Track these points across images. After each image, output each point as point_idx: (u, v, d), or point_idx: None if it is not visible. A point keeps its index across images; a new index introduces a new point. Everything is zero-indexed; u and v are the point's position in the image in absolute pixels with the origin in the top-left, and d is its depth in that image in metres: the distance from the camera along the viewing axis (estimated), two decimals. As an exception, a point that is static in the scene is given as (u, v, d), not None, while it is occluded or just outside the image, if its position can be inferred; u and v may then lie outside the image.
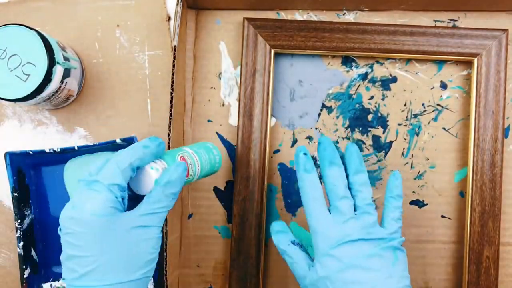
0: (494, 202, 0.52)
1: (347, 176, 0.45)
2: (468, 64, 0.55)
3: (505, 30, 0.53)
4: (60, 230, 0.39)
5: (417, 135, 0.55)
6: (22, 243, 0.52)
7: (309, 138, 0.55)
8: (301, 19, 0.56)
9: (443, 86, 0.55)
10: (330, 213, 0.44)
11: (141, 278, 0.39)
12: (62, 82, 0.50)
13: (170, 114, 0.49)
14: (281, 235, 0.47)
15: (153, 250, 0.39)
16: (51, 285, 0.54)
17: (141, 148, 0.40)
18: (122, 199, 0.39)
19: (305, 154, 0.46)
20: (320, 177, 0.45)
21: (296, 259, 0.45)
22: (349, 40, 0.53)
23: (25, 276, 0.52)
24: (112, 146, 0.53)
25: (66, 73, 0.50)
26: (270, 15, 0.56)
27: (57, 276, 0.55)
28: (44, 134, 0.56)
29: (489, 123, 0.52)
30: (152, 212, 0.39)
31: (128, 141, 0.51)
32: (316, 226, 0.43)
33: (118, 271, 0.38)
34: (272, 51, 0.53)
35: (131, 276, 0.38)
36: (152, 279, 0.54)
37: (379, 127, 0.55)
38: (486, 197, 0.52)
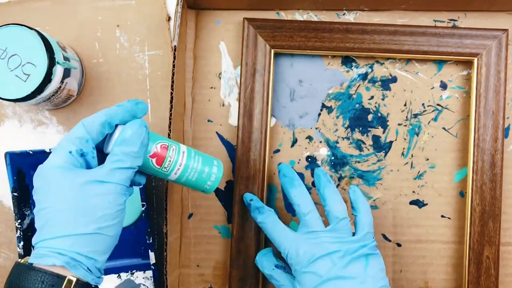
0: (494, 202, 0.52)
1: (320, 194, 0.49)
2: (468, 64, 0.55)
3: (505, 30, 0.53)
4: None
5: (417, 135, 0.55)
6: (22, 243, 0.52)
7: (309, 138, 0.55)
8: (301, 19, 0.56)
9: (443, 86, 0.55)
10: (298, 231, 0.48)
11: (94, 233, 0.37)
12: (62, 82, 0.50)
13: (170, 114, 0.49)
14: (265, 260, 0.50)
15: (109, 205, 0.38)
16: (51, 285, 0.54)
17: (114, 107, 0.41)
18: (82, 155, 0.40)
19: (251, 200, 0.51)
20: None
21: (282, 281, 0.49)
22: (349, 40, 0.53)
23: (25, 276, 0.52)
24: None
25: (66, 73, 0.50)
26: (270, 15, 0.56)
27: (57, 276, 0.55)
28: (44, 134, 0.56)
29: (489, 123, 0.52)
30: (111, 168, 0.39)
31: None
32: (286, 248, 0.47)
33: (68, 223, 0.37)
34: (272, 51, 0.53)
35: (81, 230, 0.37)
36: (152, 278, 0.54)
37: (379, 127, 0.55)
38: (486, 197, 0.52)
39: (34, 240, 0.38)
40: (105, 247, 0.39)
